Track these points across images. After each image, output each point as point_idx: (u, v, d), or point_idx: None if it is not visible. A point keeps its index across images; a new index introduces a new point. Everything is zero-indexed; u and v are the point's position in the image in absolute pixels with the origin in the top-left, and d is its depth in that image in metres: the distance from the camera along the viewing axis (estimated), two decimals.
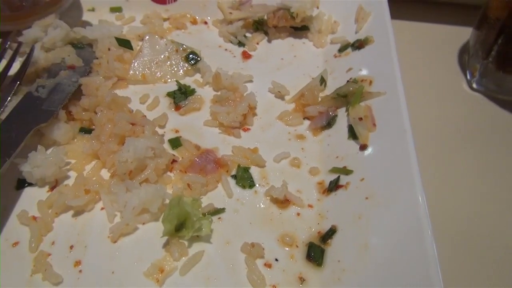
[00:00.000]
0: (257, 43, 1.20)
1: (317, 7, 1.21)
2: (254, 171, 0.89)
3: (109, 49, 1.06)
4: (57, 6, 1.11)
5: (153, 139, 0.86)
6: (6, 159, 0.77)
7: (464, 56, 1.22)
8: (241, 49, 1.17)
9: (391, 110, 0.86)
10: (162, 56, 1.08)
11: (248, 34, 1.22)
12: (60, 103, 0.92)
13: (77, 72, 1.00)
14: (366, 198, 0.77)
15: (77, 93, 0.96)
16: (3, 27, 1.07)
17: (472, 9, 1.32)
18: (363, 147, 0.86)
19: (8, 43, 1.03)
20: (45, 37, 1.05)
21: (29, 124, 0.85)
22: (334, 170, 0.86)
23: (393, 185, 0.75)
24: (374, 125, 0.87)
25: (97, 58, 1.05)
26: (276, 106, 1.03)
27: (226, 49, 1.17)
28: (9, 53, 1.03)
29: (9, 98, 0.93)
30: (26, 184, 0.84)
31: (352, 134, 0.90)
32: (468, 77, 1.15)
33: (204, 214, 0.79)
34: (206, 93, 1.05)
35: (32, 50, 1.00)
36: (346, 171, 0.84)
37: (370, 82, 0.95)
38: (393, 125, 0.84)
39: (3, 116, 0.91)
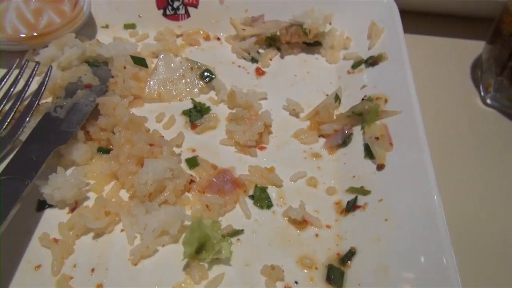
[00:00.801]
0: (270, 59, 1.20)
1: (330, 23, 1.21)
2: (272, 191, 0.90)
3: (124, 68, 1.07)
4: (72, 25, 1.12)
5: (171, 160, 0.86)
6: (28, 182, 0.78)
7: (477, 71, 1.23)
8: (255, 65, 1.18)
9: (408, 130, 0.87)
10: (177, 74, 1.09)
11: (261, 50, 1.22)
12: (79, 123, 0.93)
13: (93, 91, 1.01)
14: (385, 219, 0.77)
15: (94, 113, 0.97)
16: (19, 46, 1.08)
17: (484, 22, 1.32)
18: (380, 167, 0.86)
19: (27, 62, 1.04)
20: (62, 56, 1.06)
21: (49, 146, 0.86)
22: (352, 190, 0.87)
23: (412, 207, 0.75)
24: (391, 144, 0.88)
25: (112, 77, 1.06)
26: (291, 124, 1.03)
27: (239, 66, 1.18)
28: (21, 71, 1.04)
29: (27, 118, 0.94)
30: (47, 206, 0.84)
31: (369, 153, 0.90)
32: (482, 92, 1.15)
33: (223, 236, 0.79)
34: (221, 110, 1.06)
35: (49, 70, 1.01)
36: (363, 192, 0.85)
37: (386, 100, 0.96)
38: (410, 145, 0.84)
39: (23, 137, 0.92)
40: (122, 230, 0.82)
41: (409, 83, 0.93)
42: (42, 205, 0.84)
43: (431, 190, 0.74)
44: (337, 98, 1.04)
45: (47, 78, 1.00)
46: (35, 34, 1.08)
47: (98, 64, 1.10)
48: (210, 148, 0.97)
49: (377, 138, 0.89)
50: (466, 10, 1.37)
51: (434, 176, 0.75)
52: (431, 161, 0.78)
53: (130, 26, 1.27)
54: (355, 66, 1.13)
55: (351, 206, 0.84)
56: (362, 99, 1.00)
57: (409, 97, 0.90)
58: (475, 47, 1.29)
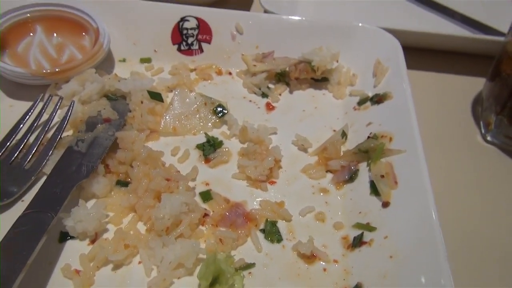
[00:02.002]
0: (280, 94, 1.26)
1: (337, 61, 1.27)
2: (281, 225, 0.94)
3: (142, 102, 1.12)
4: (93, 60, 1.18)
5: (187, 194, 0.91)
6: (53, 216, 0.83)
7: (478, 108, 1.28)
8: (265, 100, 1.24)
9: (412, 169, 0.91)
10: (191, 109, 1.14)
11: (270, 85, 1.28)
12: (99, 157, 0.98)
13: (112, 125, 1.06)
14: (390, 256, 0.81)
15: (113, 146, 1.02)
16: (43, 80, 1.14)
17: (485, 59, 1.38)
18: (385, 204, 0.91)
19: (51, 97, 1.10)
20: (83, 91, 1.12)
21: (72, 179, 0.91)
22: (358, 226, 0.91)
23: (417, 246, 0.79)
24: (396, 182, 0.92)
25: (130, 111, 1.11)
26: (299, 159, 1.08)
27: (250, 100, 1.24)
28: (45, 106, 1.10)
29: (50, 151, 0.99)
30: (68, 237, 0.89)
31: (374, 190, 0.95)
32: (483, 130, 1.20)
33: (236, 270, 0.83)
34: (233, 145, 1.11)
35: (72, 105, 1.07)
36: (369, 228, 0.89)
37: (390, 139, 1.01)
38: (414, 184, 0.89)
39: (46, 169, 0.97)
40: (139, 262, 0.86)
41: (413, 123, 0.98)
42: (64, 236, 0.89)
43: (434, 230, 0.78)
44: (343, 134, 1.10)
45: (69, 113, 1.05)
46: (57, 70, 1.14)
47: (116, 98, 1.16)
48: (223, 182, 1.02)
49: (382, 176, 0.94)
50: (466, 48, 1.43)
51: (437, 217, 0.79)
52: (434, 203, 0.82)
53: (146, 61, 1.33)
54: (361, 103, 1.18)
55: (358, 242, 0.88)
56: (368, 136, 1.05)
57: (413, 137, 0.95)
58: (476, 84, 1.35)
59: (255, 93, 1.26)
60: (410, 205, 0.86)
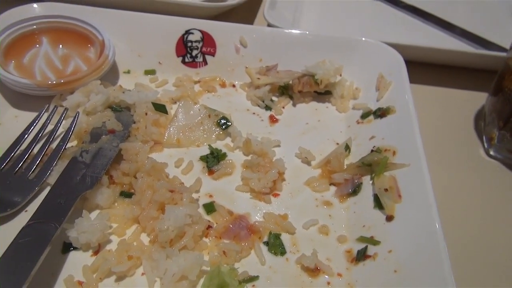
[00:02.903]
0: (283, 107, 1.27)
1: (340, 75, 1.28)
2: (285, 237, 0.94)
3: (146, 114, 1.13)
4: (97, 72, 1.19)
5: (191, 206, 0.91)
6: (57, 226, 0.83)
7: (480, 122, 1.28)
8: (268, 112, 1.24)
9: (415, 183, 0.92)
10: (195, 121, 1.15)
11: (274, 98, 1.29)
12: (103, 168, 0.98)
13: (117, 137, 1.07)
14: (395, 271, 0.81)
15: (117, 157, 1.03)
16: (48, 92, 1.15)
17: (487, 73, 1.39)
18: (389, 218, 0.91)
19: (55, 108, 1.10)
20: (88, 102, 1.12)
21: (76, 190, 0.91)
22: (362, 239, 0.91)
23: (421, 260, 0.79)
24: (400, 196, 0.93)
25: (134, 122, 1.12)
26: (303, 171, 1.08)
27: (254, 113, 1.24)
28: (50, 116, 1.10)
29: (55, 162, 1.00)
30: (71, 248, 0.89)
31: (378, 203, 0.95)
32: (485, 144, 1.21)
33: (239, 282, 0.83)
34: (236, 157, 1.11)
35: (77, 116, 1.07)
36: (373, 242, 0.89)
37: (394, 153, 1.01)
38: (418, 198, 0.89)
39: (50, 180, 0.98)
40: (142, 274, 0.86)
41: (416, 138, 0.98)
42: (67, 247, 0.89)
43: (439, 245, 0.78)
44: (347, 147, 1.10)
45: (74, 124, 1.06)
46: (62, 81, 1.14)
47: (120, 110, 1.16)
48: (226, 194, 1.02)
49: (386, 190, 0.94)
50: (468, 63, 1.44)
51: (442, 233, 0.79)
52: (439, 217, 0.82)
53: (150, 72, 1.34)
54: (364, 116, 1.18)
55: (362, 256, 0.88)
56: (372, 150, 1.05)
57: (417, 152, 0.95)
58: (478, 98, 1.35)
59: (258, 106, 1.26)
60: (414, 219, 0.86)
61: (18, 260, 0.76)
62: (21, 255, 0.77)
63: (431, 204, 0.85)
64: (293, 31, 1.32)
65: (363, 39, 1.28)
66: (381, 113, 1.14)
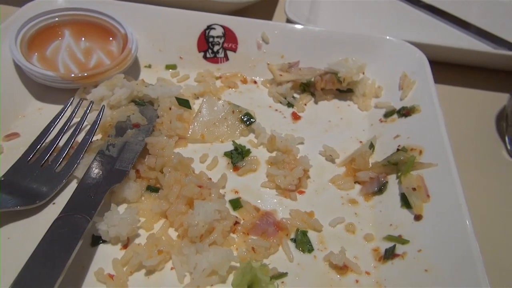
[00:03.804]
0: (305, 104, 1.27)
1: (363, 73, 1.27)
2: (312, 235, 0.94)
3: (170, 109, 1.13)
4: (121, 66, 1.19)
5: (219, 202, 0.91)
6: (89, 219, 0.83)
7: (502, 123, 1.28)
8: (291, 110, 1.24)
9: (444, 183, 0.92)
10: (219, 117, 1.15)
11: (295, 95, 1.29)
12: (130, 162, 0.98)
13: (142, 131, 1.07)
14: (426, 270, 0.81)
15: (142, 152, 1.03)
16: (71, 84, 1.15)
17: (507, 74, 1.39)
18: (418, 218, 0.91)
19: (81, 101, 1.10)
20: (112, 96, 1.12)
21: (105, 184, 0.92)
22: (390, 238, 0.91)
23: (453, 260, 0.79)
24: (428, 196, 0.92)
25: (158, 117, 1.12)
26: (327, 169, 1.09)
27: (276, 110, 1.24)
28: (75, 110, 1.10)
29: (81, 155, 1.00)
30: (101, 241, 0.89)
31: (405, 203, 0.95)
32: (509, 146, 1.21)
33: (270, 278, 0.83)
34: (261, 153, 1.11)
35: (102, 109, 1.07)
36: (402, 241, 0.89)
37: (420, 152, 1.01)
38: (447, 198, 0.89)
39: (77, 173, 0.98)
40: (172, 268, 0.86)
41: (443, 137, 0.98)
42: (97, 240, 0.89)
43: (471, 244, 0.78)
44: (371, 146, 1.10)
45: (100, 117, 1.06)
46: (86, 74, 1.14)
47: (144, 104, 1.16)
48: (252, 190, 1.02)
49: (414, 189, 0.94)
50: (490, 64, 1.44)
51: (473, 233, 0.79)
52: (469, 217, 0.82)
53: (171, 67, 1.34)
54: (387, 115, 1.18)
55: (390, 254, 0.88)
56: (397, 149, 1.05)
57: (445, 151, 0.95)
58: (499, 99, 1.35)
59: (280, 103, 1.26)
60: (444, 219, 0.86)
61: (52, 253, 0.76)
62: (55, 248, 0.77)
63: (462, 204, 0.85)
64: (316, 28, 1.32)
65: (387, 37, 1.28)
66: (405, 112, 1.14)
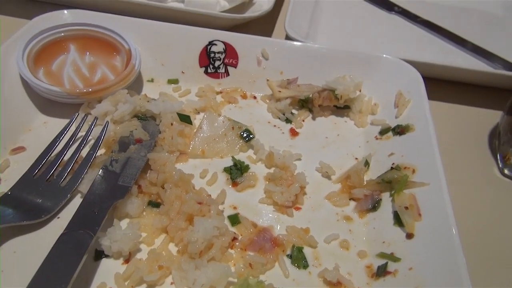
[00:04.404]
0: (303, 120, 1.30)
1: (360, 91, 1.31)
2: (307, 251, 0.97)
3: (171, 124, 1.16)
4: (124, 82, 1.22)
5: (218, 218, 0.95)
6: (92, 235, 0.86)
7: (494, 141, 1.31)
8: (289, 125, 1.28)
9: (435, 202, 0.95)
10: (219, 133, 1.18)
11: (294, 111, 1.32)
12: (133, 178, 1.01)
13: (144, 146, 1.10)
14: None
15: (144, 167, 1.06)
16: (76, 100, 1.18)
17: (499, 91, 1.42)
18: (410, 236, 0.94)
19: (85, 117, 1.14)
20: (116, 111, 1.15)
21: (109, 199, 0.95)
22: (382, 255, 0.94)
23: (442, 279, 0.82)
24: (420, 215, 0.96)
25: (160, 132, 1.15)
26: (323, 185, 1.12)
27: (275, 125, 1.28)
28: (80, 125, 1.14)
29: (85, 170, 1.03)
30: (103, 256, 0.92)
31: (398, 221, 0.98)
32: (500, 163, 1.24)
33: None
34: (259, 169, 1.14)
35: (106, 125, 1.11)
36: (394, 259, 0.92)
37: (413, 171, 1.04)
38: (438, 217, 0.92)
39: (81, 188, 1.01)
40: (172, 283, 0.89)
41: (436, 157, 1.01)
42: (99, 255, 0.92)
43: (459, 264, 0.81)
44: (366, 163, 1.13)
45: (104, 132, 1.09)
46: (91, 90, 1.17)
47: (146, 119, 1.19)
48: (250, 206, 1.05)
49: (406, 208, 0.97)
50: (485, 82, 1.47)
51: (462, 251, 0.83)
52: (459, 238, 0.85)
53: (173, 82, 1.37)
54: (382, 132, 1.22)
55: (382, 272, 0.91)
56: (391, 167, 1.08)
57: (437, 171, 0.99)
58: (491, 116, 1.38)
59: (279, 118, 1.30)
60: (434, 238, 0.90)
61: (57, 268, 0.79)
62: (60, 263, 0.80)
63: (452, 224, 0.88)
64: (315, 45, 1.35)
65: (384, 56, 1.31)
66: (400, 130, 1.17)
